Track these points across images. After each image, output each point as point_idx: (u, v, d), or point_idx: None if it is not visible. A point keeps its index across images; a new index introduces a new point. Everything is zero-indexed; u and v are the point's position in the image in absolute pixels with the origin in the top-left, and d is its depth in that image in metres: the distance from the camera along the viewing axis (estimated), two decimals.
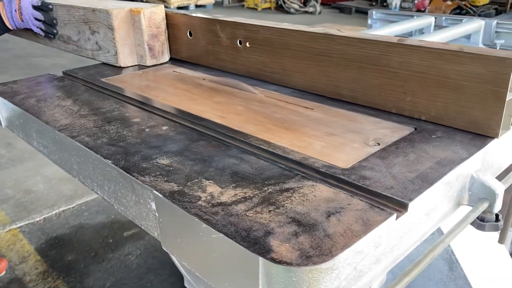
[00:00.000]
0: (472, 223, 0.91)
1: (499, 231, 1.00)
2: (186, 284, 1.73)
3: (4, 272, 2.78)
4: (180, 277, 2.65)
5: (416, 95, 1.04)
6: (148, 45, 1.55)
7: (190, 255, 0.76)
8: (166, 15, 1.59)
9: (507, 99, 0.90)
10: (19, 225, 3.27)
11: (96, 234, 3.20)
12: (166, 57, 1.64)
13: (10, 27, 1.63)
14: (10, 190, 3.72)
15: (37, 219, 3.36)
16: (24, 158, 4.27)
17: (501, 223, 0.90)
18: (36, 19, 1.61)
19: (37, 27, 1.64)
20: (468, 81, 0.95)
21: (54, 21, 1.66)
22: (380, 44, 1.07)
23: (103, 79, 1.43)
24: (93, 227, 3.28)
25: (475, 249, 1.43)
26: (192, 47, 1.57)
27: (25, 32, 1.86)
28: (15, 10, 1.58)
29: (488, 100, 0.93)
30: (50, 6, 1.63)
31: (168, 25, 1.61)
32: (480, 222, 0.90)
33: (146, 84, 1.39)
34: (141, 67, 1.59)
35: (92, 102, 1.25)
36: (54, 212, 3.44)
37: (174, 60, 1.66)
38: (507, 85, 0.89)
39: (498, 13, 10.41)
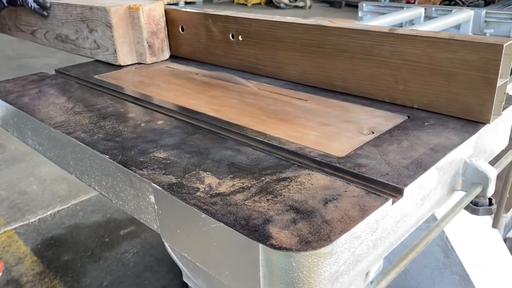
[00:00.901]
0: (466, 208, 0.93)
1: (493, 215, 1.02)
2: (184, 279, 1.74)
3: (0, 273, 2.77)
4: (178, 274, 2.67)
5: (409, 83, 1.05)
6: (147, 42, 1.53)
7: (190, 246, 0.76)
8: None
9: (497, 85, 0.92)
10: (14, 226, 3.26)
11: (92, 234, 3.20)
12: (166, 55, 1.61)
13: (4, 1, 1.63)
14: (3, 192, 3.70)
15: (32, 220, 3.35)
16: (17, 159, 4.24)
17: (494, 207, 0.91)
18: None
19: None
20: (459, 68, 0.96)
21: (48, 4, 1.65)
22: (372, 34, 1.08)
23: (96, 76, 1.43)
24: (88, 226, 3.28)
25: (470, 236, 1.45)
26: (185, 42, 1.57)
27: (21, 32, 1.84)
28: None
29: (479, 86, 0.94)
30: (46, 9, 1.64)
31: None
32: (474, 207, 0.92)
33: (139, 80, 1.39)
34: (141, 65, 1.57)
35: (86, 99, 1.25)
36: (49, 213, 3.43)
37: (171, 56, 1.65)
38: (497, 71, 0.90)
39: (486, 4, 10.46)
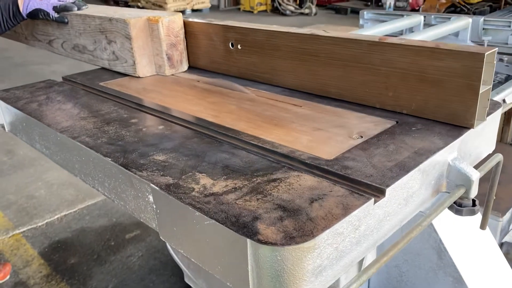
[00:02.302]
0: (451, 209, 0.97)
1: (477, 216, 1.05)
2: (186, 280, 1.79)
3: (8, 276, 2.83)
4: (182, 277, 2.71)
5: (398, 90, 1.10)
6: (166, 54, 1.53)
7: (185, 243, 0.81)
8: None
9: (480, 92, 0.96)
10: (22, 230, 3.33)
11: (98, 237, 3.26)
12: (185, 66, 1.61)
13: (22, 12, 1.61)
14: (12, 196, 3.78)
15: (40, 223, 3.42)
16: (25, 164, 4.32)
17: (477, 208, 0.95)
18: (54, 8, 1.62)
19: (53, 11, 1.63)
20: (445, 76, 1.01)
21: (65, 20, 1.66)
22: (363, 43, 1.13)
23: (101, 83, 1.49)
24: (95, 230, 3.34)
25: (463, 238, 1.49)
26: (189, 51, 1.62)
27: (38, 41, 1.87)
28: None
29: (463, 93, 0.99)
30: (66, 20, 1.66)
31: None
32: (458, 208, 0.96)
33: (142, 87, 1.45)
34: (159, 77, 1.57)
35: (91, 105, 1.31)
36: (56, 217, 3.50)
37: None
38: (479, 78, 0.95)
39: (492, 10, 10.46)
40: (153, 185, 0.84)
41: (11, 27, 1.61)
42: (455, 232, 1.46)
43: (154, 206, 0.86)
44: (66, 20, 1.66)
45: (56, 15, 1.64)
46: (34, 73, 7.07)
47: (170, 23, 1.51)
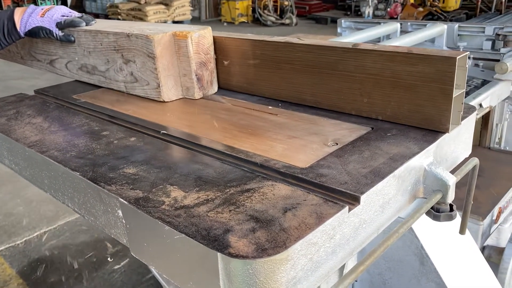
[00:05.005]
0: (429, 214, 0.96)
1: (458, 221, 1.05)
2: None
3: None
4: None
5: (372, 96, 1.09)
6: (196, 75, 1.33)
7: (156, 258, 0.78)
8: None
9: (454, 96, 0.96)
10: None
11: (79, 254, 3.18)
12: (215, 88, 1.41)
13: (19, 31, 1.42)
14: None
15: (18, 242, 3.32)
16: (3, 181, 4.22)
17: (455, 213, 0.94)
18: (57, 25, 1.44)
19: (56, 28, 1.44)
20: (418, 81, 1.00)
21: (72, 38, 1.48)
22: (337, 50, 1.12)
23: (74, 96, 1.46)
24: (75, 246, 3.26)
25: (444, 243, 1.48)
26: None
27: (37, 61, 1.70)
28: (41, 9, 1.43)
29: (437, 97, 0.98)
30: (73, 39, 1.48)
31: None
32: (436, 213, 0.95)
33: (116, 99, 1.41)
34: (186, 100, 1.38)
35: (62, 118, 1.28)
36: (35, 234, 3.41)
37: None
38: (452, 82, 0.95)
39: (468, 17, 10.69)
40: (122, 199, 0.81)
41: (4, 46, 1.44)
42: (436, 238, 1.46)
43: (124, 221, 0.83)
44: (72, 39, 1.47)
45: (60, 33, 1.45)
46: (12, 88, 6.95)
47: (200, 39, 1.32)
